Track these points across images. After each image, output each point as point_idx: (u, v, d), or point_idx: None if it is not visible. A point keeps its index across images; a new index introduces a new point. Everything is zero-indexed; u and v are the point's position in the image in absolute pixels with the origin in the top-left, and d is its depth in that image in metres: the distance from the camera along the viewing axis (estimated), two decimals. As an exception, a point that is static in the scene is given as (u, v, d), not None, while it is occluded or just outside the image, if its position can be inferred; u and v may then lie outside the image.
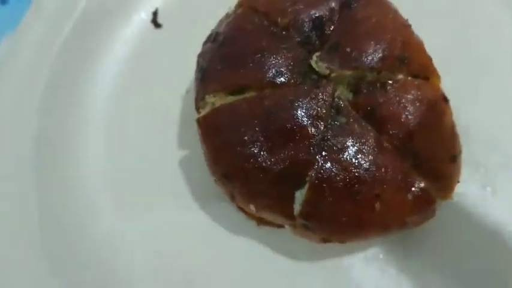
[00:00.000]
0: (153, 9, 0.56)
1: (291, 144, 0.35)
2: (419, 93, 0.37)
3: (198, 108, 0.41)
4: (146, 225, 0.45)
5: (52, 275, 0.42)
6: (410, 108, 0.37)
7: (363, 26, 0.39)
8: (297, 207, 0.36)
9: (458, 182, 0.39)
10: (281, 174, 0.36)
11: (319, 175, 0.35)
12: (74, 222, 0.45)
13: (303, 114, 0.36)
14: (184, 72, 0.49)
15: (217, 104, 0.39)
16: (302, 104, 0.36)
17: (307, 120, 0.35)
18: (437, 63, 0.40)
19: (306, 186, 0.35)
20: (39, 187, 0.46)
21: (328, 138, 0.36)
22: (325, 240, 0.38)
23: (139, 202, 0.46)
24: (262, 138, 0.36)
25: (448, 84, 0.41)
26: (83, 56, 0.52)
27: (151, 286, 0.43)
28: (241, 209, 0.43)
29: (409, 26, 0.40)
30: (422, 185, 0.36)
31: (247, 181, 0.37)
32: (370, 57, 0.37)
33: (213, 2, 0.48)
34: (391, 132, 0.36)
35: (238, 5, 0.43)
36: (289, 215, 0.37)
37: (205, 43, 0.43)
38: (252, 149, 0.36)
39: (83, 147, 0.49)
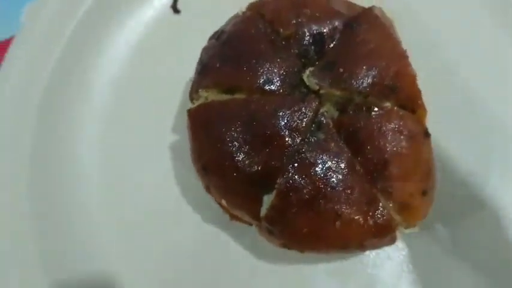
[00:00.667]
0: (174, -6, 0.57)
1: (267, 150, 0.37)
2: (401, 123, 0.38)
3: (191, 100, 0.43)
4: (124, 206, 0.48)
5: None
6: (389, 137, 0.38)
7: (360, 49, 0.40)
8: (263, 211, 0.38)
9: (425, 215, 0.40)
10: (253, 176, 0.37)
11: (288, 184, 0.36)
12: (63, 191, 0.49)
13: (283, 124, 0.37)
14: (193, 61, 0.51)
15: (209, 99, 0.41)
16: (284, 114, 0.37)
17: (285, 131, 0.37)
18: (427, 95, 0.41)
19: (274, 192, 0.37)
20: (36, 159, 0.49)
21: (302, 151, 0.37)
22: (285, 246, 0.40)
23: (126, 181, 0.49)
24: (242, 140, 0.38)
25: (434, 119, 0.41)
26: (100, 30, 0.54)
27: (124, 268, 0.46)
28: (218, 202, 0.45)
29: (407, 57, 0.41)
30: (385, 212, 0.37)
31: (222, 177, 0.39)
32: (360, 81, 0.38)
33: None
34: (367, 156, 0.37)
35: (249, 8, 0.44)
36: (256, 216, 0.39)
37: (210, 38, 0.44)
38: (231, 148, 0.38)
39: (81, 121, 0.52)
